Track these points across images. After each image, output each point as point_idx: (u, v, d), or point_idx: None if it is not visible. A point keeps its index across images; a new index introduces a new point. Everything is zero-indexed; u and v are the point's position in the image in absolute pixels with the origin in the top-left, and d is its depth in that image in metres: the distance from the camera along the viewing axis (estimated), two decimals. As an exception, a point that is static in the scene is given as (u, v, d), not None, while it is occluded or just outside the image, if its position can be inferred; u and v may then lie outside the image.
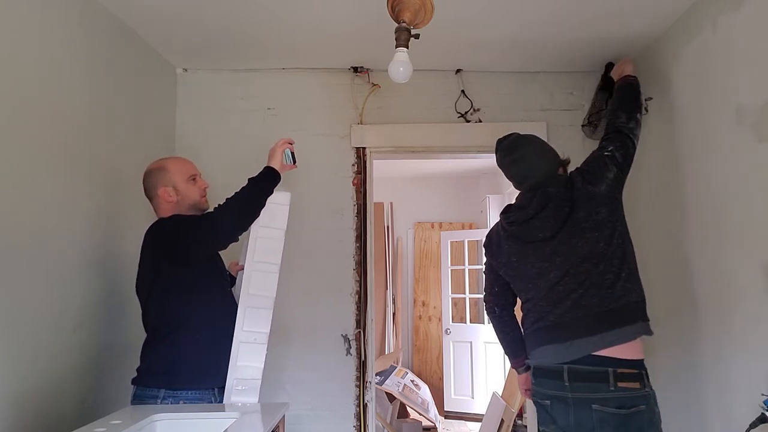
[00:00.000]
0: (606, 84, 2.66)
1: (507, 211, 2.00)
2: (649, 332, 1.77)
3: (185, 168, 2.01)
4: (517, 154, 1.96)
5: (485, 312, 2.16)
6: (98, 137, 2.10)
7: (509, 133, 2.05)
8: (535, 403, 1.91)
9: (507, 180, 2.07)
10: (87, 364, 1.98)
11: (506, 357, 5.18)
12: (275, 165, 2.04)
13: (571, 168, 1.99)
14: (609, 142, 1.93)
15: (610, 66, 2.68)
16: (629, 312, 1.75)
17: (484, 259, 2.11)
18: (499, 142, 2.05)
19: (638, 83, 2.17)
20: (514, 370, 2.20)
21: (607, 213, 1.80)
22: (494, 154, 2.07)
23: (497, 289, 2.07)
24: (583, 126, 2.72)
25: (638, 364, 1.72)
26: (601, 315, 1.73)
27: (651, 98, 2.40)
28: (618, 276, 1.75)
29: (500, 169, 2.06)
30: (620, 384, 1.66)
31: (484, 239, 2.11)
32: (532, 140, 2.00)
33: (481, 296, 5.78)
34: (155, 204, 1.98)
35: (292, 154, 2.12)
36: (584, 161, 1.95)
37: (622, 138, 1.93)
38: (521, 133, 2.05)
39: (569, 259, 1.79)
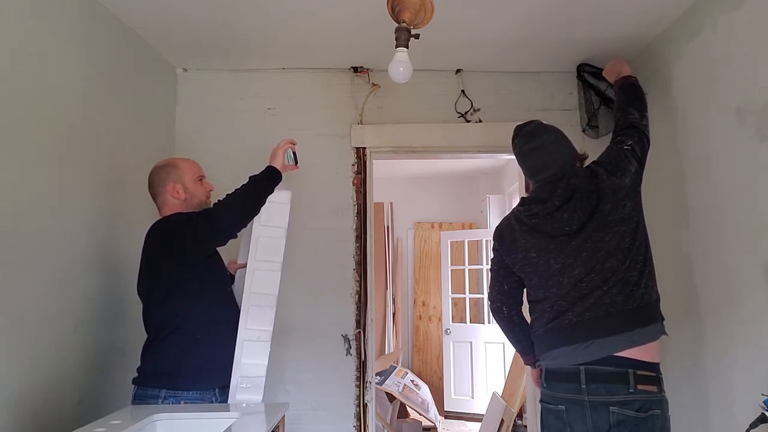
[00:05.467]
0: (586, 83, 2.70)
1: (524, 204, 1.90)
2: (665, 332, 1.73)
3: (194, 168, 2.04)
4: (537, 141, 1.88)
5: (490, 312, 2.05)
6: (98, 137, 2.10)
7: (529, 120, 1.99)
8: (545, 408, 1.81)
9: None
10: (87, 364, 1.98)
11: (506, 357, 5.17)
12: (277, 164, 2.05)
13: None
14: (626, 137, 1.89)
15: (581, 66, 2.71)
16: (651, 311, 1.70)
17: (491, 256, 2.01)
18: (519, 128, 1.97)
19: (639, 83, 2.16)
20: (526, 366, 2.09)
21: (631, 207, 1.76)
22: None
23: (507, 287, 1.94)
24: (584, 131, 2.72)
25: (656, 368, 1.68)
26: (625, 313, 1.66)
27: (647, 93, 2.40)
28: (642, 273, 1.71)
29: (516, 157, 1.98)
30: (639, 386, 1.62)
31: (493, 234, 2.00)
32: (552, 129, 1.94)
33: (482, 296, 5.78)
34: (160, 200, 1.98)
35: (294, 154, 2.13)
36: (602, 155, 1.90)
37: (639, 133, 1.91)
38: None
39: (596, 254, 1.71)
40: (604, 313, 1.68)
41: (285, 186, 2.08)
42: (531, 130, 1.93)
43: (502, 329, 2.02)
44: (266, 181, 2.01)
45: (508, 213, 2.01)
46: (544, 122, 1.98)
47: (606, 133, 2.67)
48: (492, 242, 2.00)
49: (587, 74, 2.71)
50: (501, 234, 1.95)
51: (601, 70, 2.53)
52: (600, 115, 2.68)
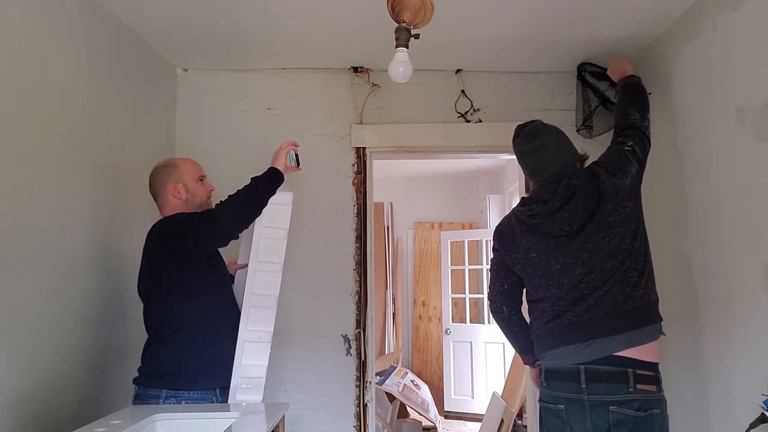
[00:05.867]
0: (585, 82, 2.70)
1: (524, 204, 1.90)
2: (663, 332, 1.74)
3: (195, 168, 2.04)
4: (538, 141, 1.88)
5: (490, 312, 2.05)
6: (98, 137, 2.10)
7: (530, 120, 1.99)
8: (544, 407, 1.81)
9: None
10: (87, 364, 1.98)
11: (506, 357, 5.17)
12: (279, 166, 2.05)
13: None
14: (627, 138, 1.89)
15: (582, 65, 2.70)
16: (650, 311, 1.71)
17: (491, 256, 2.01)
18: (520, 128, 1.97)
19: (642, 83, 2.16)
20: (525, 366, 2.07)
21: (632, 208, 1.76)
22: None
23: (507, 287, 1.95)
24: (578, 130, 2.72)
25: (655, 368, 1.68)
26: (625, 314, 1.67)
27: (651, 93, 2.40)
28: (642, 274, 1.71)
29: (517, 157, 1.97)
30: (639, 386, 1.62)
31: (493, 234, 2.00)
32: (553, 129, 1.94)
33: (482, 296, 5.77)
34: (161, 201, 1.98)
35: (297, 156, 2.14)
36: (603, 155, 1.90)
37: (639, 134, 1.91)
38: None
39: (596, 255, 1.71)
40: (604, 313, 1.68)
41: (285, 185, 2.08)
42: (532, 129, 1.93)
43: (501, 329, 2.02)
44: (268, 182, 2.02)
45: (508, 213, 2.00)
46: (544, 122, 1.98)
47: (599, 133, 2.67)
48: (492, 242, 2.00)
49: (587, 74, 2.70)
50: (501, 234, 1.95)
51: (604, 69, 2.53)
52: (595, 116, 2.68)
